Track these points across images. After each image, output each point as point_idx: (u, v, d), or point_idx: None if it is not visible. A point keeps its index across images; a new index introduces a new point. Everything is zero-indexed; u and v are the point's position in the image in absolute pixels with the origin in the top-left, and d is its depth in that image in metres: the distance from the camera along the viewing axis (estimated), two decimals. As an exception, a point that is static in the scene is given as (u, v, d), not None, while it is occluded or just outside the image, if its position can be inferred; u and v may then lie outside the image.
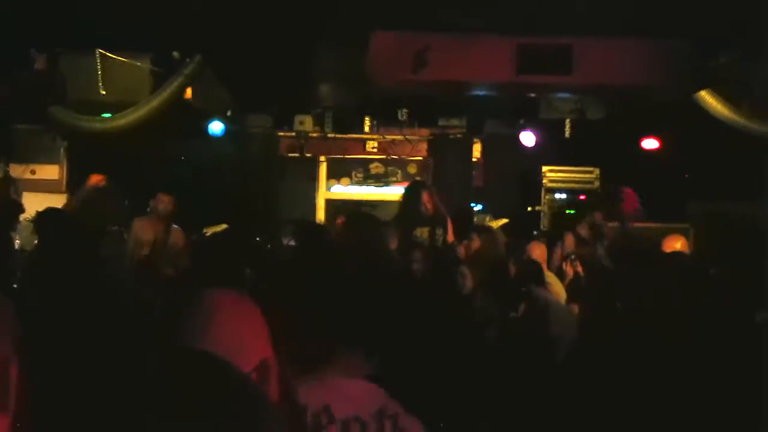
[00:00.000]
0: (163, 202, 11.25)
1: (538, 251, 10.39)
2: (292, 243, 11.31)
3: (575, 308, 9.42)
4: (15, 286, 9.60)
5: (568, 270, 10.66)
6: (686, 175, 14.40)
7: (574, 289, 10.06)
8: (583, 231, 12.08)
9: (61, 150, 14.62)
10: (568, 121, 14.36)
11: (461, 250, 10.66)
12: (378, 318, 3.53)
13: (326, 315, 3.25)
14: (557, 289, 9.73)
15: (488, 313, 8.50)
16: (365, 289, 3.92)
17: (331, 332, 3.15)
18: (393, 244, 11.61)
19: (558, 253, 11.30)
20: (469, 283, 8.66)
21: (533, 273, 9.16)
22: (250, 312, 2.36)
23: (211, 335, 2.23)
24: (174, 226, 11.19)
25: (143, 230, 11.06)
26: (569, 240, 11.64)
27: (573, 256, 11.00)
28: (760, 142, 12.32)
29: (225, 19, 10.60)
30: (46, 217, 9.55)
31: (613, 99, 13.63)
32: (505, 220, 13.56)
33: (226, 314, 2.30)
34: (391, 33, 11.13)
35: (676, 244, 10.84)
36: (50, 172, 14.58)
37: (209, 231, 11.37)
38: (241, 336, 2.28)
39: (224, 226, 11.44)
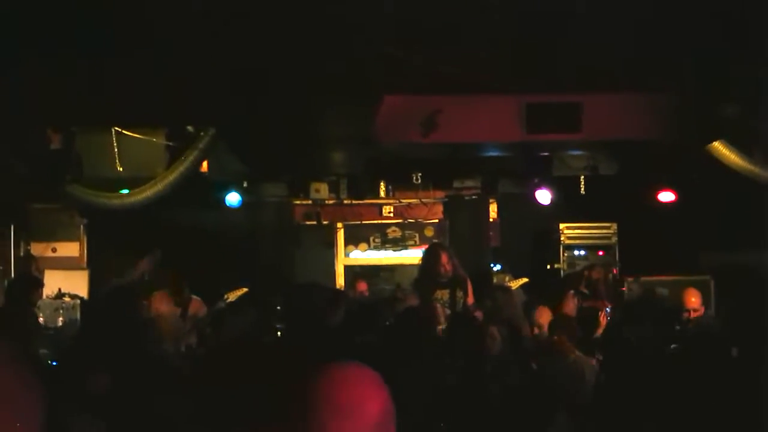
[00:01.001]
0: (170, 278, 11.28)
1: (545, 315, 10.43)
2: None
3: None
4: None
5: (602, 320, 10.75)
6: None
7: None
8: (584, 288, 12.24)
9: (81, 227, 14.78)
10: (582, 177, 14.40)
11: (479, 313, 10.73)
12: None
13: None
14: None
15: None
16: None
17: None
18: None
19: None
20: (497, 346, 8.69)
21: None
22: (386, 393, 2.31)
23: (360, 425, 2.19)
24: (194, 296, 11.28)
25: (162, 302, 11.12)
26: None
27: (608, 309, 11.11)
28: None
29: (237, 91, 10.71)
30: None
31: (624, 155, 13.66)
32: (525, 280, 13.58)
33: (371, 400, 2.23)
34: (399, 96, 11.21)
35: (691, 298, 10.87)
36: (70, 249, 14.76)
37: (230, 295, 11.45)
38: (382, 422, 2.24)
39: (244, 290, 11.52)
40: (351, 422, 2.18)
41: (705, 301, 11.39)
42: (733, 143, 12.12)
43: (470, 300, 11.73)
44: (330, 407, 2.19)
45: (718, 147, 12.08)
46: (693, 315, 10.52)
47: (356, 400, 2.23)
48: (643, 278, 14.38)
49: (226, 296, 11.46)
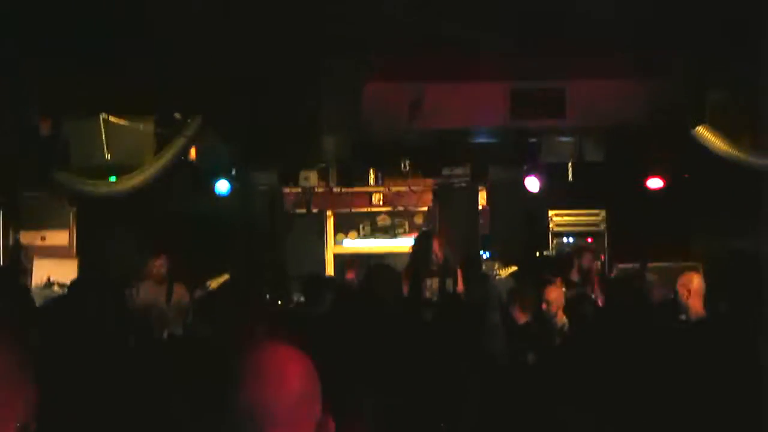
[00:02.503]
0: (156, 266, 11.37)
1: (555, 294, 10.45)
2: (302, 299, 11.47)
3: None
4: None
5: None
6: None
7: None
8: (574, 275, 12.26)
9: (70, 215, 14.77)
10: (570, 164, 14.40)
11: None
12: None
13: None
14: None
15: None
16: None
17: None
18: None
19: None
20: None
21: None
22: (309, 369, 2.45)
23: (281, 394, 2.35)
24: (176, 283, 11.31)
25: (146, 293, 11.17)
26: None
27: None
28: (763, 176, 12.34)
29: (224, 78, 10.71)
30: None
31: (611, 142, 13.68)
32: (514, 268, 13.60)
33: (291, 372, 2.40)
34: (384, 83, 11.22)
35: (694, 280, 10.75)
36: (60, 237, 14.73)
37: (212, 283, 11.46)
38: (305, 392, 2.39)
39: (226, 276, 11.52)
40: (274, 393, 2.37)
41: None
42: (720, 129, 12.13)
43: (459, 288, 11.77)
44: (258, 383, 2.40)
45: (704, 132, 12.10)
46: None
47: (279, 376, 2.42)
48: (634, 265, 14.42)
49: (208, 283, 11.47)
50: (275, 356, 2.43)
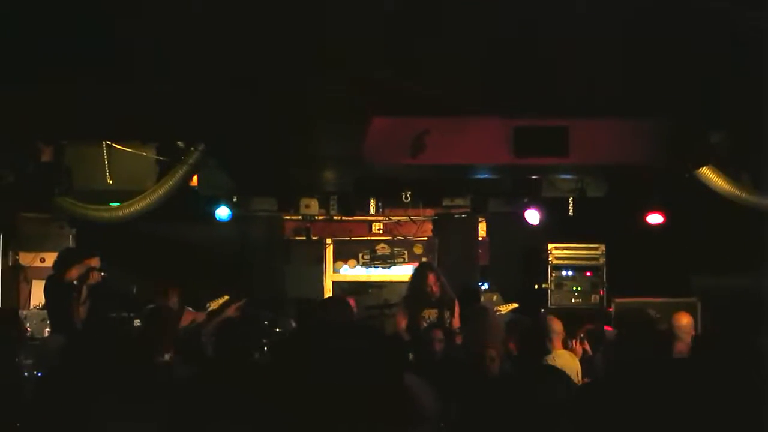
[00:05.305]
0: (173, 300, 11.38)
1: (557, 325, 10.48)
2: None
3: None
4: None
5: (577, 348, 10.77)
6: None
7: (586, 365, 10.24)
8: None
9: (70, 237, 14.79)
10: (570, 199, 14.41)
11: (459, 338, 10.80)
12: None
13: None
14: (564, 363, 9.73)
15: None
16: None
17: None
18: (402, 324, 11.77)
19: None
20: (495, 367, 8.73)
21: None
22: None
23: None
24: (187, 308, 11.35)
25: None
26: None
27: (582, 335, 11.09)
28: (762, 215, 12.38)
29: (227, 108, 10.72)
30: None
31: (613, 178, 13.68)
32: (515, 305, 13.62)
33: None
34: (388, 118, 11.22)
35: (683, 320, 10.89)
36: (59, 259, 14.73)
37: (212, 304, 11.47)
38: None
39: (226, 297, 11.53)
40: None
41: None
42: (721, 168, 12.16)
43: (456, 322, 11.79)
44: None
45: (705, 171, 12.13)
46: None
47: None
48: (632, 299, 14.45)
49: (208, 305, 11.50)
50: None
